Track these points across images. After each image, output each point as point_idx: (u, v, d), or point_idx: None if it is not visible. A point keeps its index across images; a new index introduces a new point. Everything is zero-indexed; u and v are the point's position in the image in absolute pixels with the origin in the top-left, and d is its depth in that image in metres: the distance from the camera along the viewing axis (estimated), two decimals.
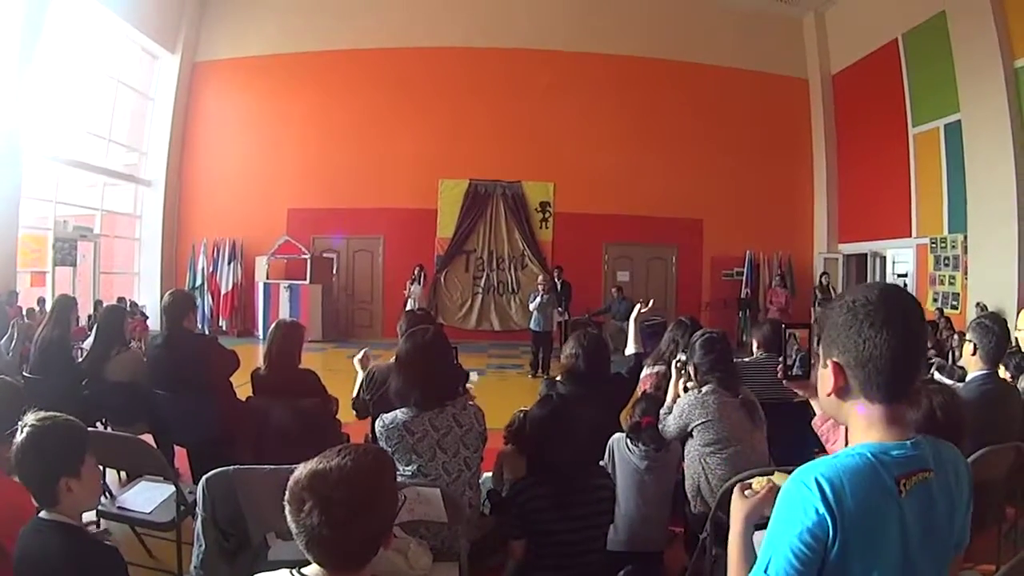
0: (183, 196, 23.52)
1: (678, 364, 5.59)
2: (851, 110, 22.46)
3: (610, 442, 5.58)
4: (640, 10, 22.94)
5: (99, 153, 21.14)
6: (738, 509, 2.49)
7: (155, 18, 21.72)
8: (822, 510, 1.92)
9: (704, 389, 5.09)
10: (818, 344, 2.51)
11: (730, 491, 4.43)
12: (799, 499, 1.97)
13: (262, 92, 23.42)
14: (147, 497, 5.38)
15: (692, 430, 5.06)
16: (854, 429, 2.17)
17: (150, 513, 5.22)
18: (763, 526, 2.24)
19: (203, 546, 4.02)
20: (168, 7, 22.35)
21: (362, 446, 2.53)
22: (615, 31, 22.85)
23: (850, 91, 22.43)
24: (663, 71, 22.95)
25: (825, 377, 2.19)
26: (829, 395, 2.20)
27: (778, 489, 2.40)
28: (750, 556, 2.27)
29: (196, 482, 5.91)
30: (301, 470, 2.27)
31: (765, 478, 2.58)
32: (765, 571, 2.00)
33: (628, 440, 5.47)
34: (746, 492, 2.54)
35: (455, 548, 4.35)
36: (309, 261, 21.76)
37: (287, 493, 2.25)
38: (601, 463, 5.45)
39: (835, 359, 2.15)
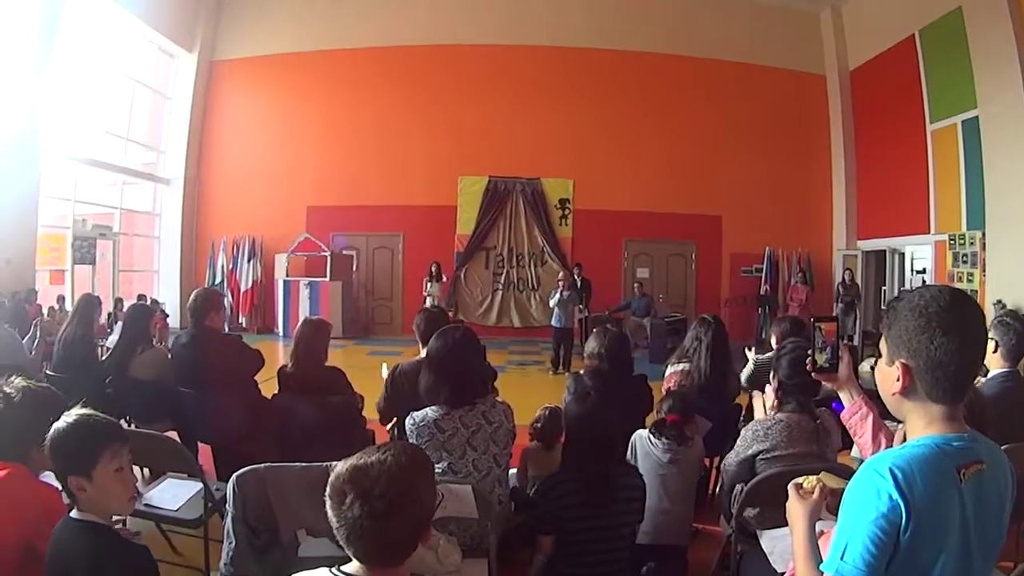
0: (202, 194, 23.66)
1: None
2: (869, 106, 22.33)
3: (632, 438, 5.57)
4: (658, 7, 22.92)
5: (117, 152, 21.29)
6: (798, 511, 2.51)
7: (172, 17, 21.90)
8: (895, 496, 1.98)
9: (776, 416, 4.99)
10: (838, 338, 2.54)
11: (756, 490, 4.45)
12: (873, 486, 2.03)
13: (280, 90, 23.53)
14: (173, 494, 5.38)
15: (755, 461, 4.97)
16: (914, 426, 2.24)
17: (177, 510, 5.20)
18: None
19: (233, 543, 4.01)
20: (185, 6, 22.54)
21: (401, 443, 2.55)
22: (633, 28, 22.84)
23: (868, 87, 22.29)
24: (681, 67, 22.92)
25: (890, 376, 2.26)
26: (894, 394, 2.26)
27: (836, 491, 2.43)
28: (816, 554, 2.30)
29: (220, 479, 5.96)
30: (342, 465, 2.28)
31: (815, 478, 2.62)
32: (841, 558, 2.04)
33: (651, 435, 5.46)
34: (800, 492, 2.57)
35: (484, 544, 4.37)
36: (329, 258, 21.79)
37: (328, 488, 2.26)
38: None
39: (904, 360, 2.20)
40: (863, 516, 2.02)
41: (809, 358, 3.15)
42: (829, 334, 3.14)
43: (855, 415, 3.17)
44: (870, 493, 2.02)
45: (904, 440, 3.05)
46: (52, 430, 2.98)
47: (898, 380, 2.21)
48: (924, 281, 19.08)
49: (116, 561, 2.86)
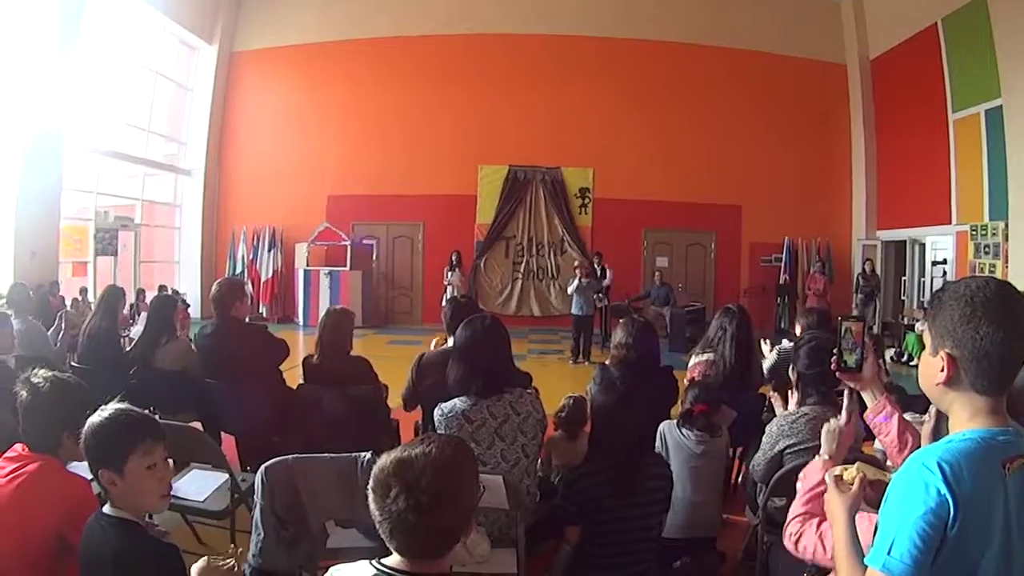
0: (222, 185, 23.81)
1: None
2: (890, 95, 22.16)
3: (660, 429, 5.57)
4: None
5: (139, 144, 21.43)
6: (838, 503, 2.50)
7: (192, 10, 21.96)
8: (944, 491, 1.96)
9: (799, 409, 4.99)
10: (868, 334, 2.54)
11: (782, 482, 4.45)
12: (921, 480, 2.01)
13: (300, 80, 23.59)
14: (199, 486, 5.39)
15: (783, 455, 4.95)
16: (958, 418, 2.21)
17: (203, 501, 5.22)
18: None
19: (261, 535, 4.01)
20: None
21: (445, 435, 2.56)
22: (653, 17, 22.79)
23: (889, 76, 22.16)
24: (701, 56, 22.89)
25: (934, 366, 2.22)
26: (938, 385, 2.22)
27: (875, 482, 2.43)
28: (858, 548, 2.30)
29: (245, 469, 5.97)
30: (386, 458, 2.29)
31: (853, 468, 2.62)
32: (888, 553, 2.02)
33: (681, 426, 5.47)
34: (840, 485, 2.56)
35: (512, 535, 4.39)
36: (349, 248, 21.89)
37: (372, 480, 2.27)
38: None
39: (948, 351, 2.18)
40: (911, 511, 2.00)
41: (835, 357, 3.17)
42: (858, 335, 3.16)
43: (879, 415, 3.18)
44: (918, 487, 2.01)
45: (932, 436, 3.05)
46: (87, 423, 2.99)
47: (942, 371, 2.18)
48: (945, 272, 19.13)
49: (142, 560, 2.84)
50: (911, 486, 2.03)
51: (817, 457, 3.23)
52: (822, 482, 3.02)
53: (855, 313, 19.77)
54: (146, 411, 3.26)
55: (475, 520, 3.47)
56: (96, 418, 2.99)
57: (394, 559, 2.31)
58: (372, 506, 2.24)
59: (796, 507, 3.15)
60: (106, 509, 2.97)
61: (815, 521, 2.90)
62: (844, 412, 3.21)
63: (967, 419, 2.17)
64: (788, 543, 3.12)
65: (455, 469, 2.28)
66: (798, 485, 3.33)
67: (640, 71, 22.75)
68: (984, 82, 17.35)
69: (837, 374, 3.19)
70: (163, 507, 3.32)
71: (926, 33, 19.61)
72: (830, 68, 23.40)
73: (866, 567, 2.11)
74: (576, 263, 18.27)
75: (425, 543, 2.28)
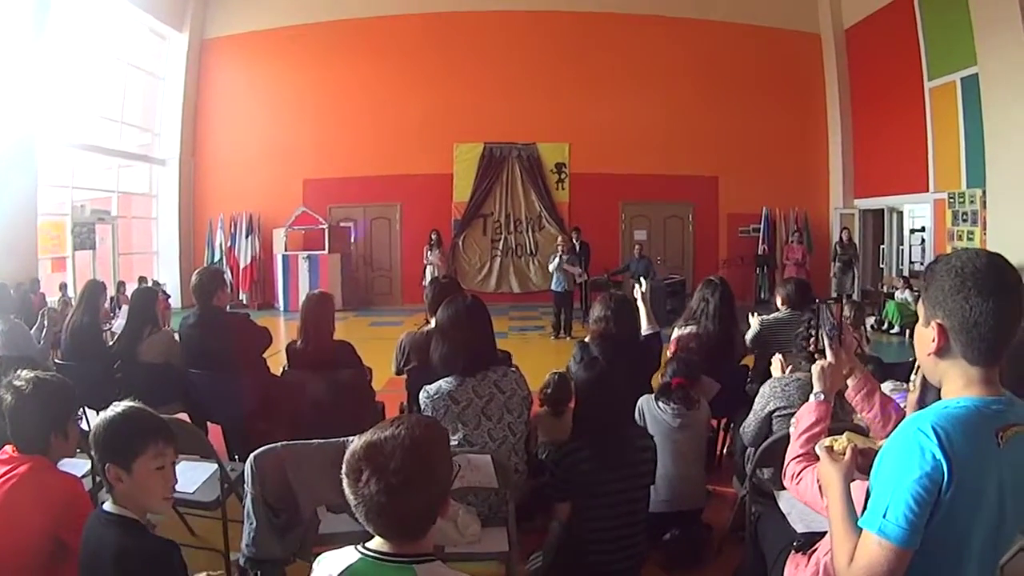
0: (197, 173, 23.64)
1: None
2: (865, 65, 22.16)
3: (639, 404, 5.63)
4: None
5: (113, 136, 21.25)
6: (833, 473, 2.50)
7: None
8: (939, 455, 2.00)
9: (793, 374, 5.00)
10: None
11: (770, 450, 4.48)
12: (916, 445, 2.05)
13: (273, 65, 23.43)
14: (188, 477, 5.34)
15: (772, 418, 5.00)
16: (951, 387, 2.25)
17: (193, 493, 5.19)
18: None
19: (254, 523, 4.01)
20: None
21: (415, 416, 2.56)
22: None
23: (863, 45, 22.14)
24: (676, 29, 22.85)
25: (927, 337, 2.27)
26: (929, 355, 2.27)
27: (865, 450, 2.47)
28: (854, 515, 2.30)
29: (232, 459, 5.98)
30: (357, 442, 2.29)
31: (843, 437, 2.66)
32: (884, 516, 2.06)
33: (659, 400, 5.52)
34: (832, 455, 2.58)
35: (502, 513, 4.40)
36: (327, 231, 21.86)
37: (344, 465, 2.28)
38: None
39: (939, 321, 2.22)
40: (906, 474, 2.04)
41: (812, 339, 3.25)
42: (836, 316, 3.23)
43: (860, 392, 3.23)
44: (913, 451, 2.05)
45: (917, 406, 3.09)
46: (99, 418, 2.99)
47: (933, 340, 2.22)
48: (923, 240, 19.34)
49: (143, 558, 2.83)
50: (906, 450, 2.07)
51: (812, 397, 3.23)
52: (818, 421, 3.14)
53: (833, 280, 19.98)
54: None
55: (458, 498, 3.50)
56: (109, 414, 2.99)
57: (376, 542, 2.32)
58: (347, 491, 2.25)
59: (794, 448, 3.18)
60: (107, 506, 2.96)
61: (815, 465, 2.94)
62: (829, 351, 3.24)
63: (960, 388, 2.21)
64: (788, 483, 3.15)
65: (425, 449, 2.28)
66: (791, 430, 3.36)
67: (613, 44, 22.70)
68: (959, 50, 17.33)
69: (816, 355, 3.26)
70: (165, 508, 3.33)
71: (901, 1, 19.57)
72: (805, 38, 23.40)
73: (861, 531, 2.14)
74: (559, 239, 18.22)
75: (401, 524, 2.28)
